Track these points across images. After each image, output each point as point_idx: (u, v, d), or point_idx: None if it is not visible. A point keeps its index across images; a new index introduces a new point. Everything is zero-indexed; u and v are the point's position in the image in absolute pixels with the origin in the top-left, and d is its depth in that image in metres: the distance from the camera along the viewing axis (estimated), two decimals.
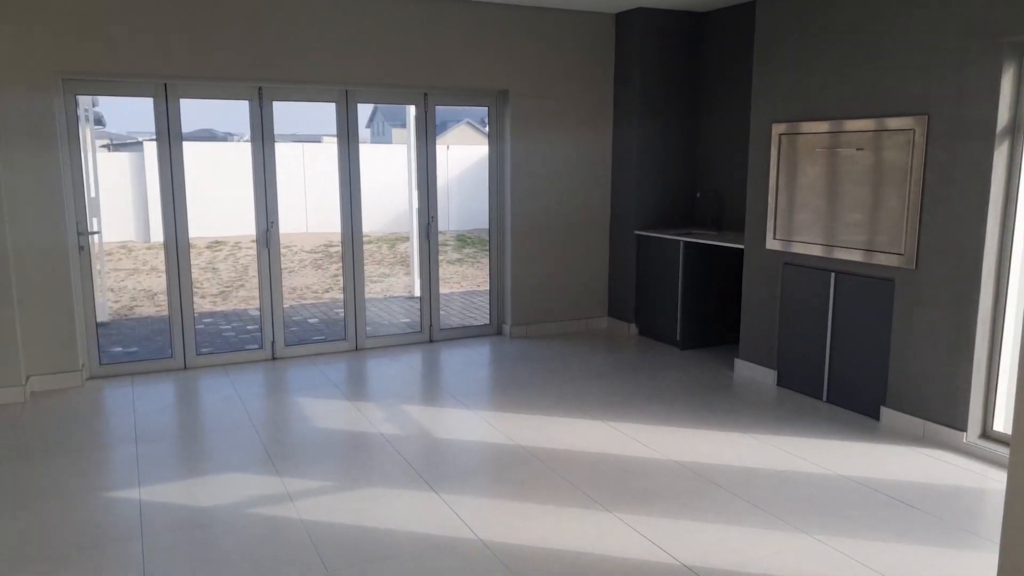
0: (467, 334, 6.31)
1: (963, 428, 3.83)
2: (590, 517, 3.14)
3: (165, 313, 5.34)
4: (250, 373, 5.23)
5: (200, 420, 4.35)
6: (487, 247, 6.39)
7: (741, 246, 5.15)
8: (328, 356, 5.67)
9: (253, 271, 10.02)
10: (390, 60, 5.44)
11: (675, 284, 5.80)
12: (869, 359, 4.29)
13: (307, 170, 13.52)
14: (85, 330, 4.98)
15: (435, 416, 4.38)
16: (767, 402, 4.61)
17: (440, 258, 6.24)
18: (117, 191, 12.19)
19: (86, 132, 6.47)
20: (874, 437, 4.03)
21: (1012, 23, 3.49)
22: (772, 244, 4.83)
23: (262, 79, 5.13)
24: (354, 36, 5.31)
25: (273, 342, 5.56)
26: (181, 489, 3.41)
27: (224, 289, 9.46)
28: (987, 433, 3.83)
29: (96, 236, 6.41)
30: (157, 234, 12.06)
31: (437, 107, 5.87)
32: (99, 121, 11.98)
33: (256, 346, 5.68)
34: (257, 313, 5.99)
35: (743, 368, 5.15)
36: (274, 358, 5.57)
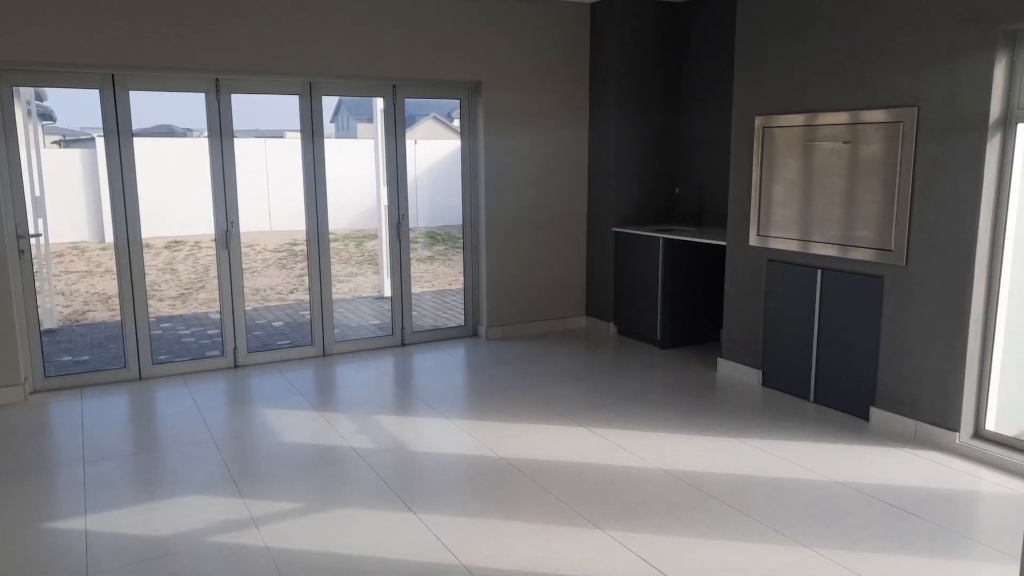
0: (441, 336, 6.08)
1: (955, 428, 3.72)
2: (580, 536, 2.95)
3: (119, 318, 5.00)
4: (210, 382, 4.93)
5: (155, 436, 4.05)
6: (458, 244, 6.17)
7: (723, 242, 5.00)
8: (294, 363, 5.39)
9: (214, 272, 9.63)
10: (357, 50, 5.17)
11: (655, 282, 5.64)
12: (857, 359, 4.17)
13: (270, 166, 13.12)
14: (27, 340, 4.64)
15: (410, 426, 4.15)
16: (753, 404, 4.47)
17: (411, 256, 5.99)
18: (69, 189, 11.75)
19: (29, 127, 6.08)
20: (865, 439, 3.91)
21: (1005, 10, 3.37)
22: (755, 240, 4.69)
23: (219, 70, 4.81)
24: (318, 24, 5.02)
25: (235, 348, 5.26)
26: (133, 516, 3.13)
27: (183, 291, 9.06)
28: (980, 433, 3.73)
29: (39, 238, 6.02)
30: (112, 234, 11.59)
31: (406, 100, 5.62)
32: (48, 116, 11.42)
33: (217, 353, 5.37)
34: (218, 317, 5.67)
35: (726, 368, 5.01)
36: (236, 366, 5.27)
